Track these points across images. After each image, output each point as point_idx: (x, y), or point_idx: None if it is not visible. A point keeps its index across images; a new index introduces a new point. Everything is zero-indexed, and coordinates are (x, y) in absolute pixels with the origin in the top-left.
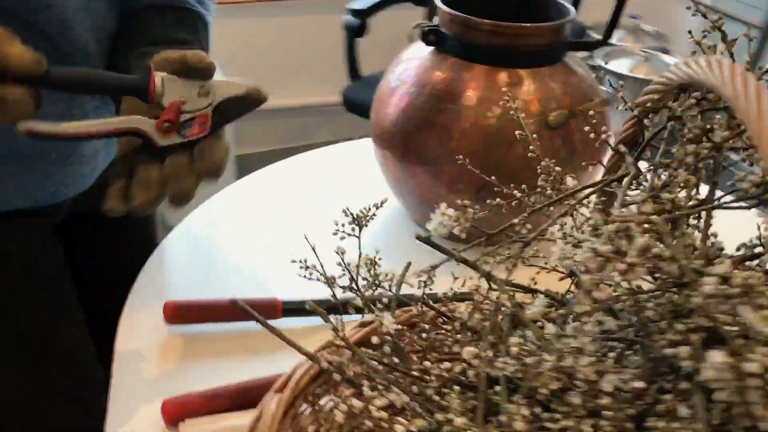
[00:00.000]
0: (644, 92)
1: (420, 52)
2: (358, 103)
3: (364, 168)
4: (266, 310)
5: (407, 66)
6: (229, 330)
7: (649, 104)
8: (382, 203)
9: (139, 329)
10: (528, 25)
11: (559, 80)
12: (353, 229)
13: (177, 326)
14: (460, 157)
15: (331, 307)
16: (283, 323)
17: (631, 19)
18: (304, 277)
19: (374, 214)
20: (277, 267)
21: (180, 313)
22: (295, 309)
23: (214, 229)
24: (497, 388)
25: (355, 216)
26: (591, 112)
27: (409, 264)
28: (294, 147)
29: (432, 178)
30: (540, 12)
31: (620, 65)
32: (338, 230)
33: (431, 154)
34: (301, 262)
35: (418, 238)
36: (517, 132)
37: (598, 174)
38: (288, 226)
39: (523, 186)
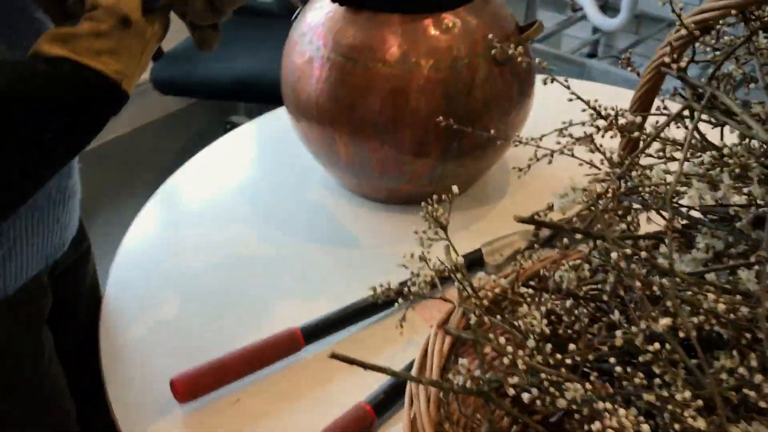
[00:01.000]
0: (698, 11)
1: (325, 15)
2: (167, 81)
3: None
4: (288, 345)
5: (319, 32)
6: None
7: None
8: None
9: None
10: None
11: (489, 11)
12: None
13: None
14: (441, 118)
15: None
16: (309, 351)
17: None
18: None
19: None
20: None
21: (193, 388)
22: (315, 332)
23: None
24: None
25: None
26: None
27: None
28: (112, 138)
29: (394, 148)
30: None
31: None
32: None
33: (388, 123)
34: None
35: (521, 220)
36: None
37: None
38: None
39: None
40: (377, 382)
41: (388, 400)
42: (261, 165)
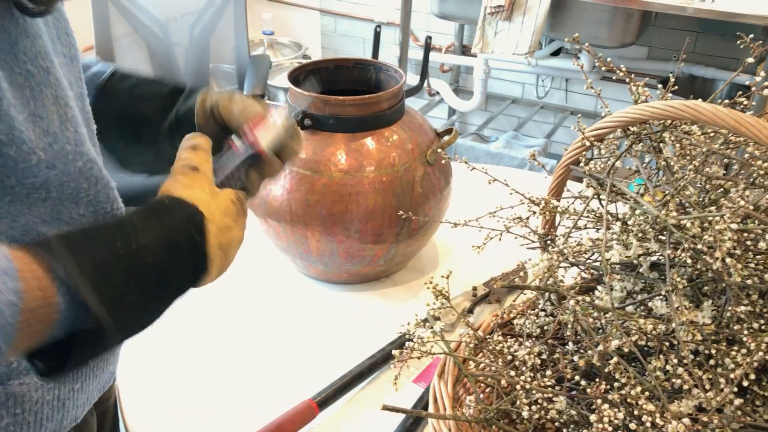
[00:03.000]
0: (593, 127)
1: None
2: None
3: None
4: (306, 416)
5: None
6: None
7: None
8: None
9: None
10: (383, 92)
11: (415, 124)
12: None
13: None
14: (402, 212)
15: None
16: (324, 415)
17: (266, 35)
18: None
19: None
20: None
21: None
22: (328, 398)
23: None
24: None
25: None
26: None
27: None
28: None
29: (357, 241)
30: (371, 76)
31: None
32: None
33: (353, 219)
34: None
35: (504, 286)
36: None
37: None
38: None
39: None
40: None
41: None
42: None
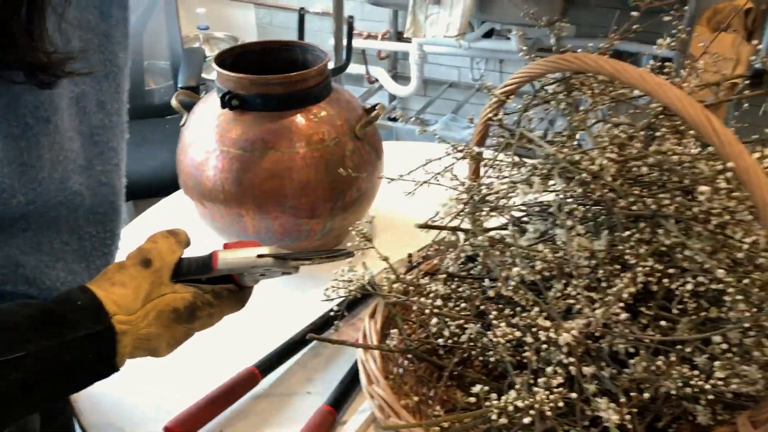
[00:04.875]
0: (503, 85)
1: (216, 118)
2: None
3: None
4: (248, 382)
5: (213, 132)
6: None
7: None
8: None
9: None
10: (308, 70)
11: (343, 101)
12: None
13: None
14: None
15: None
16: (267, 381)
17: (201, 30)
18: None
19: None
20: None
21: (186, 429)
22: (270, 364)
23: None
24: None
25: None
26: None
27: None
28: None
29: (293, 216)
30: (297, 57)
31: None
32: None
33: (286, 195)
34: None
35: (420, 226)
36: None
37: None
38: None
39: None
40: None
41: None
42: None
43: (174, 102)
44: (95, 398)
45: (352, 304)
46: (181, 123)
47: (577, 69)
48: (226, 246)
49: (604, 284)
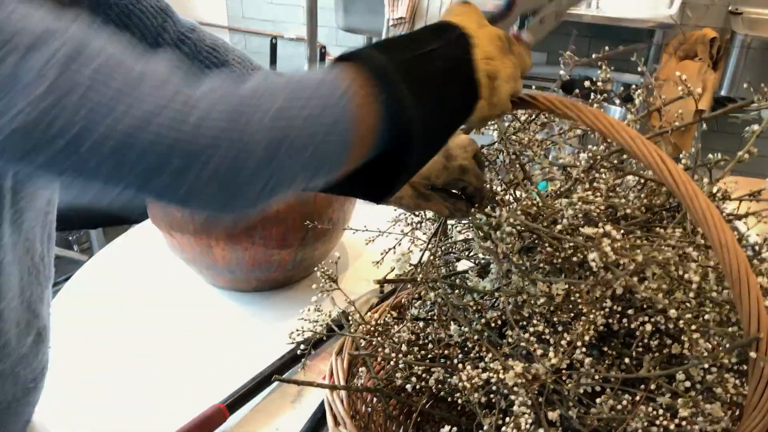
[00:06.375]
0: None
1: None
2: None
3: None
4: (216, 420)
5: None
6: None
7: None
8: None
9: None
10: None
11: None
12: None
13: None
14: (307, 219)
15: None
16: (235, 419)
17: None
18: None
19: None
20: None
21: None
22: (238, 401)
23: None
24: None
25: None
26: None
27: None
28: None
29: (263, 246)
30: None
31: None
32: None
33: (257, 226)
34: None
35: (379, 282)
36: None
37: None
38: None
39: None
40: None
41: None
42: (138, 278)
43: None
44: None
45: (320, 340)
46: None
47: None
48: None
49: (560, 328)
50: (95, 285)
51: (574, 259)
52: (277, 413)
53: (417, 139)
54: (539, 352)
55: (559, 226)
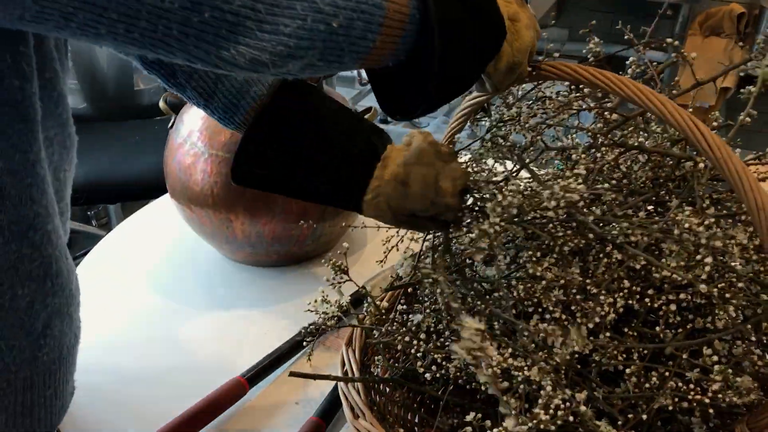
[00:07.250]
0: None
1: (202, 121)
2: None
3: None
4: (236, 392)
5: (200, 135)
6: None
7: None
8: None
9: None
10: None
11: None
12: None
13: None
14: None
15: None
16: (255, 392)
17: None
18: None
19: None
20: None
21: None
22: (258, 374)
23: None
24: None
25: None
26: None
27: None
28: None
29: (282, 221)
30: None
31: None
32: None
33: (277, 199)
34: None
35: (387, 289)
36: None
37: None
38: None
39: None
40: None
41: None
42: (156, 252)
43: (162, 104)
44: (76, 410)
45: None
46: (169, 125)
47: (556, 77)
48: None
49: (578, 315)
50: (114, 260)
51: (572, 244)
52: (297, 386)
53: (443, 46)
54: (560, 340)
55: (550, 213)
